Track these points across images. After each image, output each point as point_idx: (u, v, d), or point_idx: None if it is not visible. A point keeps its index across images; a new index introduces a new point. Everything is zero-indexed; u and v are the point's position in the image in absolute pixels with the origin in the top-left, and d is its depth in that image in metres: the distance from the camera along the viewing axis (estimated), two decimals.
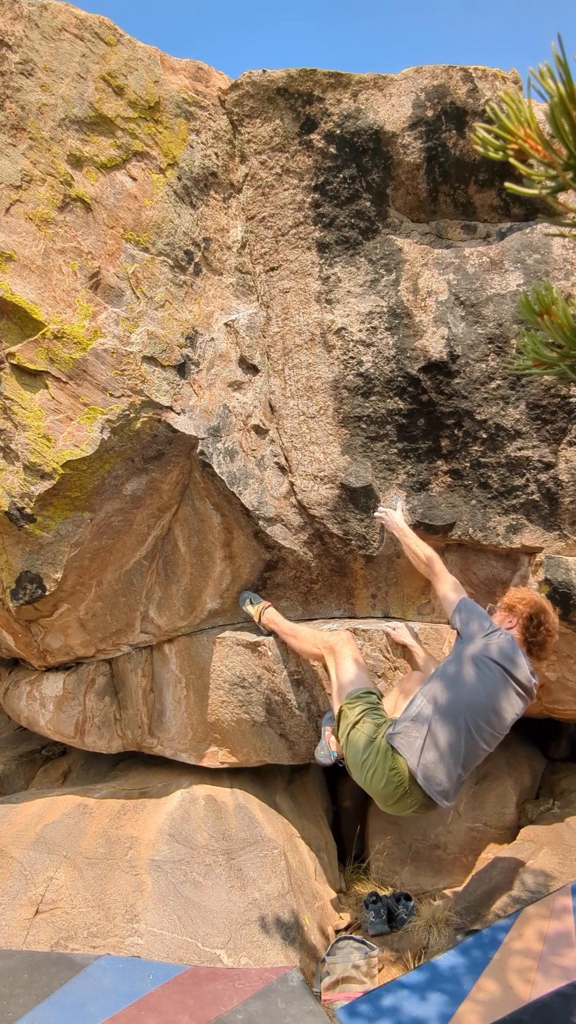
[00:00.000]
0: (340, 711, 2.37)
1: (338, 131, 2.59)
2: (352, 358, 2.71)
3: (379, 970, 2.66)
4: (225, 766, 3.16)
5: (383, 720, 2.30)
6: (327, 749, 2.67)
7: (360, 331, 2.70)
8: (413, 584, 3.06)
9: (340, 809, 3.98)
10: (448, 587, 2.43)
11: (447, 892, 3.24)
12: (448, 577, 2.48)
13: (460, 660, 2.21)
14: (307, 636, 2.73)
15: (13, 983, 2.09)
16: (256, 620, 2.91)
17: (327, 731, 2.75)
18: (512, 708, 2.22)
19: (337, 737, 2.40)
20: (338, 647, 2.55)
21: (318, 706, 2.98)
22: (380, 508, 2.74)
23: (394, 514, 2.71)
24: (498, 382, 2.61)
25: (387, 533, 2.80)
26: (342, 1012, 2.02)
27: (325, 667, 2.66)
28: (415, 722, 2.17)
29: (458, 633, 2.31)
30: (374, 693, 2.41)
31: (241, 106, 2.62)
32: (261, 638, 2.92)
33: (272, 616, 2.87)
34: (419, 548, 2.58)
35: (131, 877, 2.65)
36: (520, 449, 2.63)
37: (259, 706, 3.00)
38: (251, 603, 2.96)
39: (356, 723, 2.28)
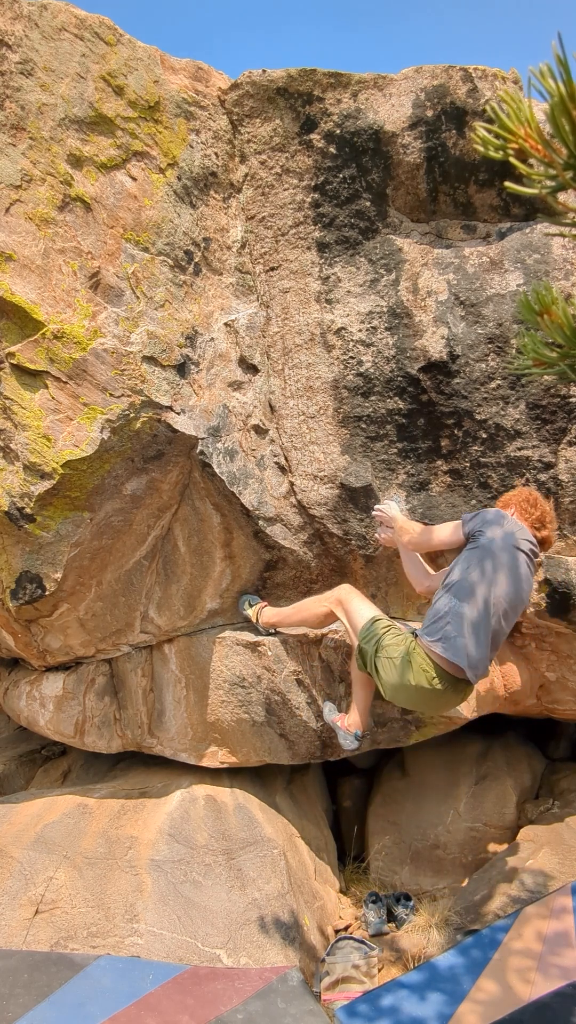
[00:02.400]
0: (358, 648, 2.45)
1: (338, 131, 2.59)
2: (352, 358, 2.71)
3: (379, 970, 2.66)
4: (225, 766, 3.16)
5: (401, 633, 2.37)
6: (346, 733, 2.69)
7: (360, 331, 2.70)
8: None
9: (340, 809, 3.98)
10: (447, 528, 2.40)
11: (447, 892, 3.23)
12: (443, 525, 2.47)
13: (478, 551, 2.24)
14: (310, 603, 2.74)
15: (13, 983, 2.09)
16: (255, 621, 2.91)
17: (334, 719, 2.75)
18: (528, 584, 2.29)
19: (368, 670, 2.43)
20: (343, 595, 2.61)
21: (318, 706, 2.98)
22: (377, 506, 2.73)
23: (390, 506, 2.70)
24: (498, 382, 2.61)
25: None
26: (342, 1012, 2.02)
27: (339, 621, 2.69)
28: (443, 618, 2.22)
29: (467, 539, 2.32)
30: (380, 618, 2.47)
31: (241, 106, 2.62)
32: (261, 638, 2.92)
33: (270, 612, 2.88)
34: (409, 525, 2.54)
35: (131, 877, 2.65)
36: (520, 449, 2.63)
37: (259, 706, 3.00)
38: (249, 604, 2.96)
39: (378, 651, 2.34)
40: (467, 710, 2.97)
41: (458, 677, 2.22)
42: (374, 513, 2.72)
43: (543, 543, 2.36)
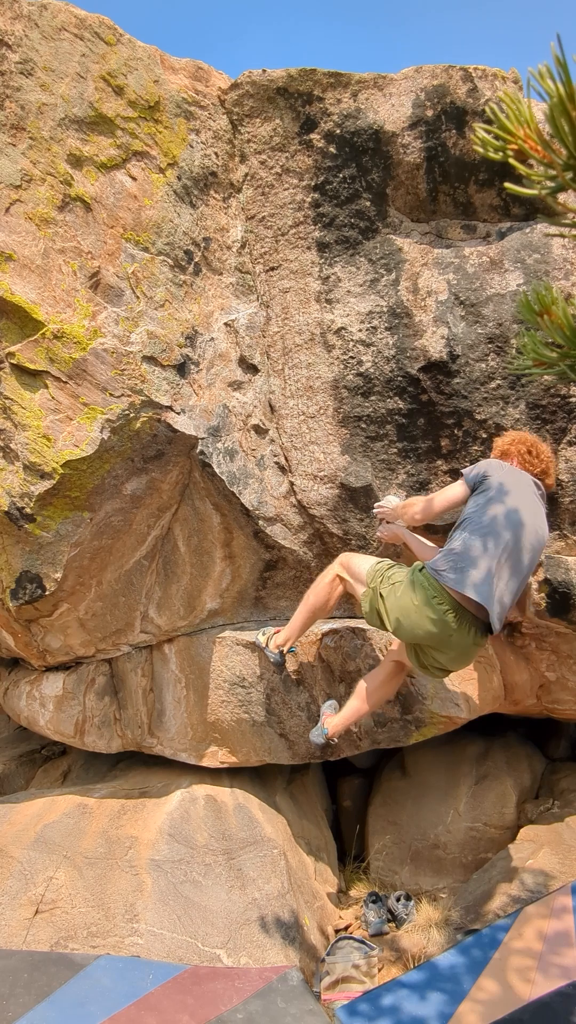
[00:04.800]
0: (364, 594, 2.37)
1: (338, 131, 2.59)
2: (352, 358, 2.71)
3: (379, 970, 2.66)
4: (225, 766, 3.16)
5: (405, 568, 2.31)
6: (321, 728, 2.65)
7: (360, 331, 2.69)
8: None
9: (340, 809, 3.98)
10: (450, 489, 2.34)
11: (447, 892, 3.24)
12: (444, 488, 2.42)
13: (487, 491, 2.17)
14: (313, 588, 2.61)
15: (13, 983, 2.09)
16: (264, 646, 2.74)
17: (325, 715, 2.73)
18: (544, 521, 2.22)
19: (377, 613, 2.33)
20: (343, 557, 2.54)
21: (318, 706, 2.98)
22: (378, 504, 2.69)
23: (391, 500, 2.65)
24: (498, 382, 2.61)
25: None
26: (342, 1011, 2.02)
27: (347, 591, 2.58)
28: (454, 550, 2.14)
29: (472, 489, 2.26)
30: (383, 560, 2.42)
31: (241, 106, 2.62)
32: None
33: (280, 631, 2.72)
34: (412, 499, 2.47)
35: (131, 877, 2.65)
36: None
37: (259, 706, 3.00)
38: (263, 635, 2.79)
39: (382, 582, 2.29)
40: (467, 710, 2.97)
41: (467, 609, 2.11)
42: (375, 511, 2.70)
43: (545, 485, 2.31)
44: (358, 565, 2.45)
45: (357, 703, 2.59)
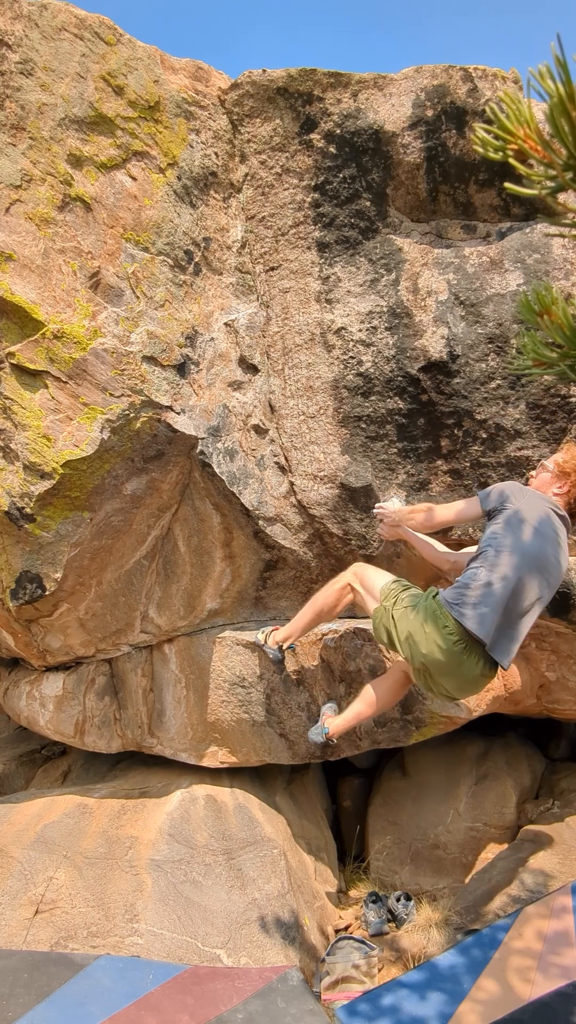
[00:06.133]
0: (376, 611, 2.35)
1: (338, 131, 2.59)
2: (352, 358, 2.71)
3: (379, 970, 2.66)
4: (225, 766, 3.16)
5: (419, 591, 2.30)
6: (321, 727, 2.64)
7: (360, 331, 2.69)
8: (413, 583, 3.07)
9: (340, 809, 3.98)
10: (458, 504, 2.32)
11: (447, 892, 3.24)
12: (452, 503, 2.39)
13: (507, 524, 2.12)
14: (323, 591, 2.59)
15: (13, 983, 2.09)
16: (263, 643, 2.74)
17: (325, 715, 2.73)
18: (563, 556, 2.15)
19: (388, 637, 2.30)
20: (358, 567, 2.51)
21: (318, 706, 2.98)
22: (378, 504, 2.69)
23: (392, 502, 2.64)
24: (498, 382, 2.61)
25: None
26: (342, 1011, 2.02)
27: (356, 601, 2.56)
28: (469, 586, 2.11)
29: (488, 515, 2.21)
30: (401, 579, 2.40)
31: (241, 106, 2.62)
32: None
33: (280, 632, 2.72)
34: (415, 507, 2.45)
35: (131, 877, 2.65)
36: (520, 449, 2.63)
37: (259, 706, 3.00)
38: (262, 632, 2.78)
39: (396, 604, 2.27)
40: (467, 710, 2.97)
41: (477, 642, 2.09)
42: (375, 511, 2.69)
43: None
44: (372, 580, 2.43)
45: (361, 707, 2.57)
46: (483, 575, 2.09)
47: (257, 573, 3.04)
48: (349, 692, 3.00)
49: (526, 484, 2.32)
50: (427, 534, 2.60)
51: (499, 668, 2.17)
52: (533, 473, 2.36)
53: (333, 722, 2.62)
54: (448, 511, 2.32)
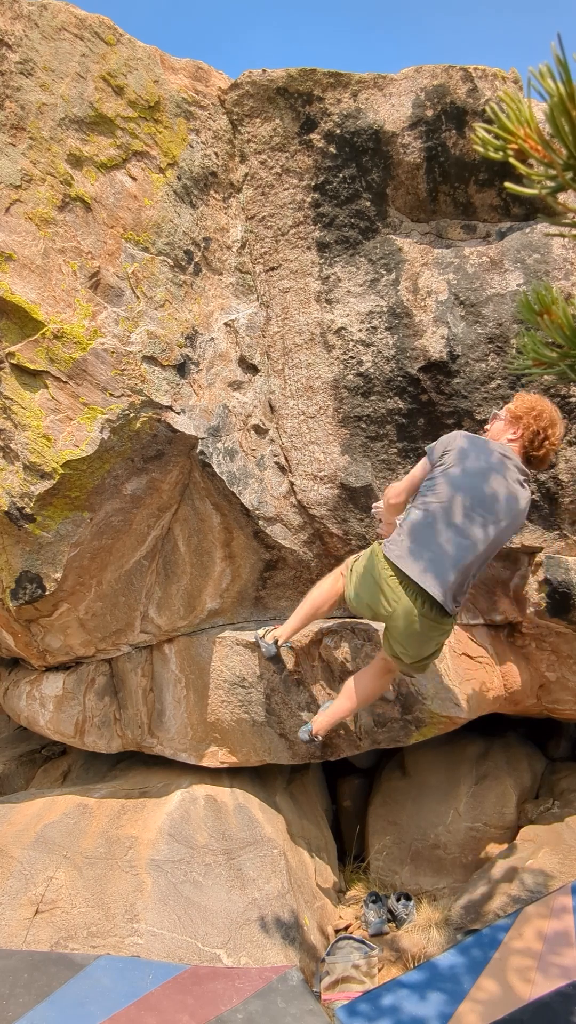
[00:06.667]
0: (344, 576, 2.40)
1: (338, 131, 2.59)
2: (352, 358, 2.71)
3: (379, 970, 2.66)
4: (225, 766, 3.16)
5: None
6: (307, 725, 2.68)
7: (360, 331, 2.69)
8: None
9: (340, 809, 3.98)
10: (416, 467, 2.29)
11: (447, 892, 3.24)
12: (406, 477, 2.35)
13: (445, 467, 2.13)
14: (319, 585, 2.59)
15: (13, 983, 2.09)
16: (261, 637, 2.76)
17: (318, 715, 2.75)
18: (509, 491, 2.10)
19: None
20: (349, 560, 2.50)
21: (318, 705, 2.98)
22: (375, 504, 2.68)
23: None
24: (498, 382, 2.61)
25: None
26: (342, 1011, 2.02)
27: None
28: (404, 527, 2.14)
29: (433, 465, 2.21)
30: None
31: (241, 106, 2.62)
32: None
33: (278, 629, 2.74)
34: (384, 499, 2.39)
35: (131, 877, 2.65)
36: None
37: (259, 706, 3.00)
38: (261, 630, 2.80)
39: (356, 564, 2.33)
40: (467, 710, 2.97)
41: (417, 584, 2.08)
42: (374, 511, 2.69)
43: (543, 460, 2.20)
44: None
45: (343, 700, 2.59)
46: (417, 515, 2.11)
47: (257, 573, 3.04)
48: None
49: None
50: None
51: (452, 618, 2.16)
52: (488, 426, 2.34)
53: (317, 719, 2.64)
54: (402, 481, 2.30)
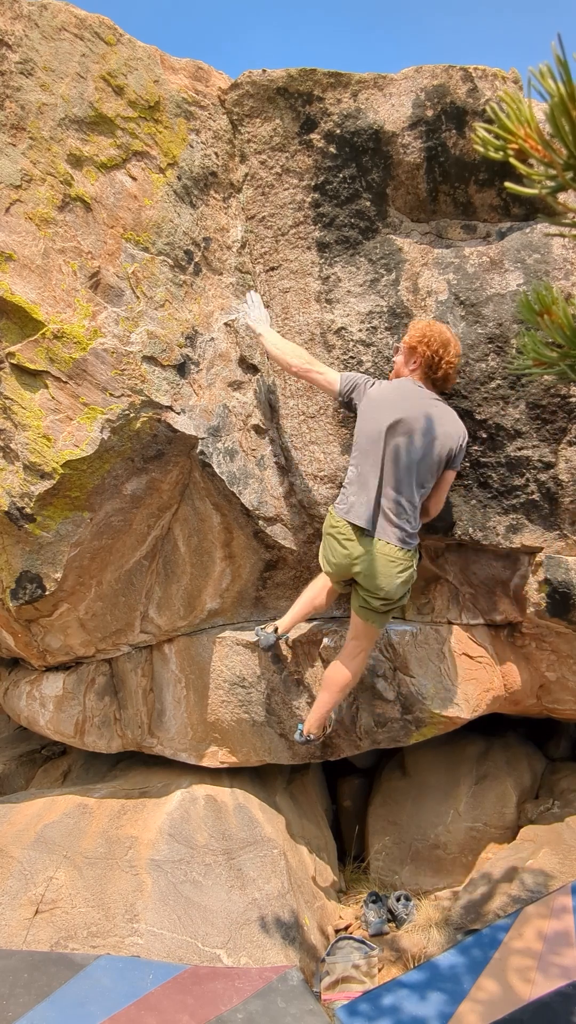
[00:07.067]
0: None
1: (338, 131, 2.59)
2: (352, 358, 2.71)
3: (379, 970, 2.66)
4: (225, 766, 3.16)
5: None
6: (300, 726, 2.75)
7: (360, 331, 2.69)
8: (413, 583, 3.06)
9: (340, 809, 3.98)
10: (326, 371, 2.43)
11: (447, 892, 3.24)
12: (323, 365, 2.48)
13: (362, 417, 2.34)
14: (316, 578, 2.77)
15: (13, 983, 2.09)
16: (262, 627, 2.81)
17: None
18: (426, 412, 2.28)
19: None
20: None
21: None
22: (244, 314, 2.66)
23: (253, 312, 2.62)
24: (498, 382, 2.61)
25: None
26: (342, 1011, 2.02)
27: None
28: (344, 482, 2.40)
29: (345, 404, 2.44)
30: None
31: (241, 106, 2.62)
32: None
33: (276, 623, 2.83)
34: (284, 347, 2.46)
35: (131, 877, 2.65)
36: (520, 449, 2.63)
37: (259, 706, 3.00)
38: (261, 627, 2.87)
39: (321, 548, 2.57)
40: (467, 710, 2.97)
41: (366, 530, 2.32)
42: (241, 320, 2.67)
43: (447, 379, 2.39)
44: None
45: (322, 694, 2.65)
46: (350, 471, 2.37)
47: (257, 573, 3.04)
48: (349, 692, 3.00)
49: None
50: (424, 535, 2.65)
51: (405, 550, 2.35)
52: (394, 359, 2.52)
53: (307, 719, 2.71)
54: (317, 371, 2.41)
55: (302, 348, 2.54)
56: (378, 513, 2.31)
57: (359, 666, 2.63)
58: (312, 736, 2.70)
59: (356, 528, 2.34)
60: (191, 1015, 2.01)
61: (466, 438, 2.39)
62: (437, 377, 2.37)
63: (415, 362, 2.38)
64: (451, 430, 2.33)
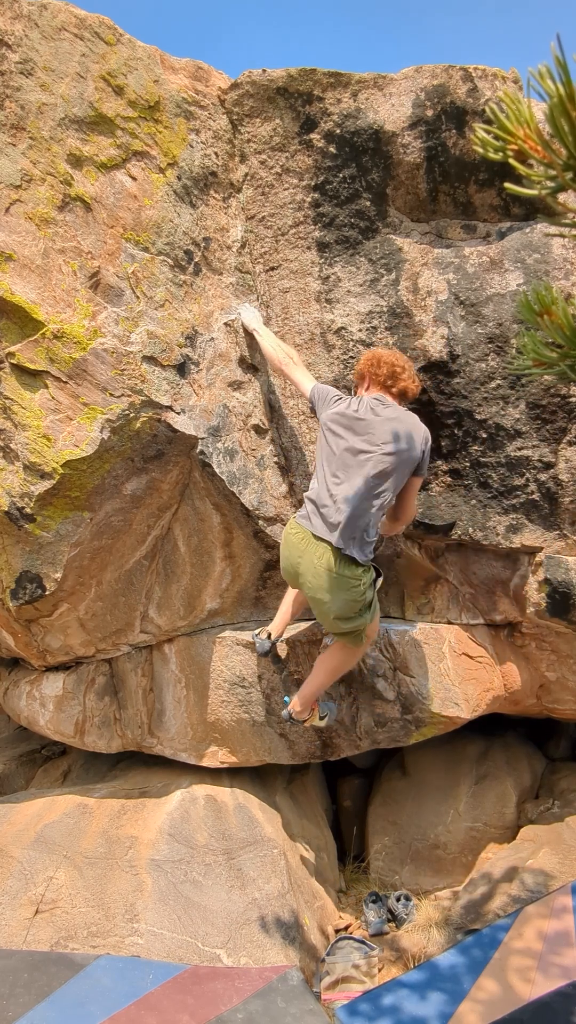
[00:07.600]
0: None
1: (338, 131, 2.59)
2: (352, 358, 2.71)
3: (379, 970, 2.66)
4: (225, 766, 3.16)
5: None
6: (287, 700, 2.76)
7: (360, 331, 2.69)
8: (413, 583, 3.07)
9: (340, 809, 3.98)
10: (305, 377, 2.50)
11: (447, 892, 3.24)
12: (306, 372, 2.55)
13: (323, 431, 2.36)
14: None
15: (13, 983, 2.09)
16: (257, 634, 2.78)
17: (313, 710, 2.76)
18: (386, 419, 2.27)
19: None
20: None
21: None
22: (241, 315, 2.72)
23: (245, 314, 2.68)
24: (498, 382, 2.61)
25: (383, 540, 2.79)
26: (342, 1011, 2.02)
27: None
28: (307, 495, 2.40)
29: (313, 407, 2.46)
30: None
31: (241, 106, 2.62)
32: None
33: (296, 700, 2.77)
34: (277, 347, 2.57)
35: (131, 877, 2.65)
36: (520, 449, 2.64)
37: (259, 705, 3.00)
38: (259, 629, 2.85)
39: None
40: (467, 710, 2.97)
41: (319, 536, 2.30)
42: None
43: (404, 394, 2.38)
44: None
45: (310, 678, 2.64)
46: (314, 481, 2.38)
47: (257, 573, 3.04)
48: (349, 691, 3.00)
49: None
50: (425, 536, 2.61)
51: (360, 568, 2.30)
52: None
53: (292, 700, 2.69)
54: (300, 376, 2.49)
55: (293, 349, 2.58)
56: (335, 525, 2.27)
57: (347, 660, 2.61)
58: (295, 715, 2.66)
59: (308, 535, 2.33)
60: (191, 1015, 2.01)
61: (429, 443, 2.36)
62: (396, 391, 2.37)
63: (367, 384, 2.41)
64: (415, 438, 2.30)
